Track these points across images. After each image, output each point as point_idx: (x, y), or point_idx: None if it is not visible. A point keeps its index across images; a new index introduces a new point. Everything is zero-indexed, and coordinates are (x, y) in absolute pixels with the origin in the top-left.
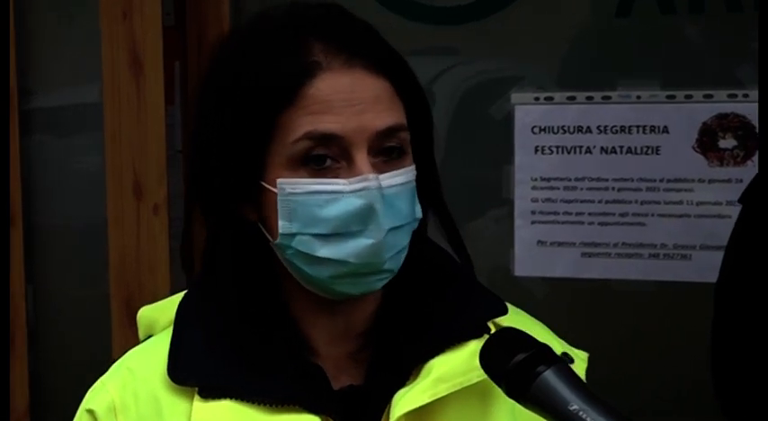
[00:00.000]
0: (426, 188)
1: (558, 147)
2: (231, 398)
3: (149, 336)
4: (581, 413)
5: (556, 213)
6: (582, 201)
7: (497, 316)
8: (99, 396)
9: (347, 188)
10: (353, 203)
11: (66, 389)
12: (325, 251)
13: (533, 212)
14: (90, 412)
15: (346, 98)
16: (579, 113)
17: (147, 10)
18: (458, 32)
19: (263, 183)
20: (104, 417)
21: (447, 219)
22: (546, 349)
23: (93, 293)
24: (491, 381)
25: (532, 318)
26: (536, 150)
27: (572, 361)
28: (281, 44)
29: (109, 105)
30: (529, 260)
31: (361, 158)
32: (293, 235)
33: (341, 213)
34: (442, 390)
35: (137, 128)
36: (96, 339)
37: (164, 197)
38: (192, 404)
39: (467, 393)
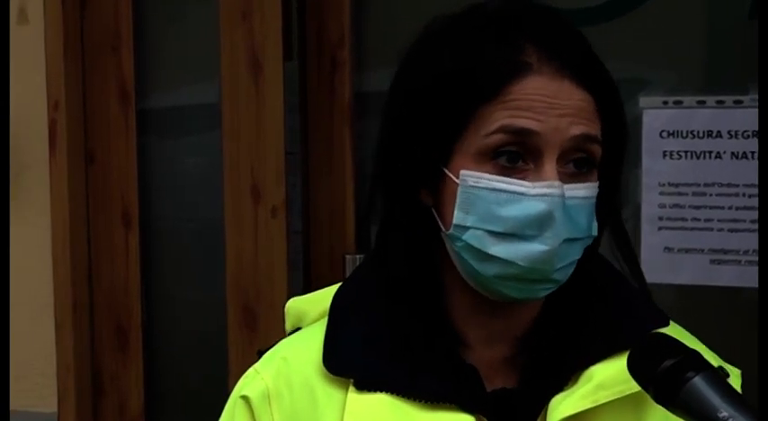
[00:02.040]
0: (606, 207)
1: (686, 152)
2: (387, 391)
3: (297, 329)
4: (730, 420)
5: (684, 219)
6: (711, 208)
7: (658, 327)
8: (253, 383)
9: (530, 191)
10: (534, 207)
11: (180, 391)
12: (495, 249)
13: (661, 218)
14: (245, 398)
15: (549, 103)
16: (709, 118)
17: (267, 11)
18: (586, 35)
19: (446, 171)
20: (259, 404)
21: (624, 240)
22: (695, 355)
23: (209, 296)
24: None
25: (690, 334)
26: (664, 155)
27: (728, 375)
28: (494, 39)
29: (227, 106)
30: (656, 266)
31: (550, 164)
32: (467, 228)
33: (519, 214)
34: (603, 397)
35: (255, 129)
36: (212, 342)
37: (282, 199)
38: (346, 395)
39: (620, 403)
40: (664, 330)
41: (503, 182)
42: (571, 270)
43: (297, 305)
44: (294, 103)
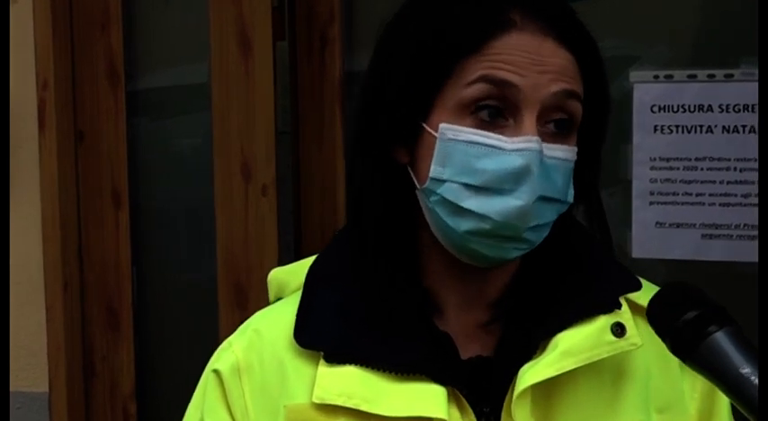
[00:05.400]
0: (583, 176)
1: (677, 126)
2: (357, 364)
3: (279, 299)
4: (752, 377)
5: (675, 194)
6: (702, 182)
7: (630, 291)
8: (224, 356)
9: (508, 145)
10: (512, 161)
11: (171, 372)
12: (470, 202)
13: (652, 193)
14: (216, 372)
15: (531, 59)
16: (700, 92)
17: None
18: (577, 9)
19: (425, 126)
20: (229, 377)
21: (599, 211)
22: (719, 308)
23: (200, 275)
24: (625, 358)
25: None
26: (655, 129)
27: None
28: (478, 1)
29: (217, 85)
30: (647, 242)
31: (530, 119)
32: (443, 181)
33: (496, 168)
34: (569, 365)
35: (245, 108)
36: (203, 322)
37: (272, 178)
38: (316, 368)
39: (598, 369)
40: (639, 293)
41: (481, 135)
42: (544, 233)
43: (278, 276)
44: (284, 82)
